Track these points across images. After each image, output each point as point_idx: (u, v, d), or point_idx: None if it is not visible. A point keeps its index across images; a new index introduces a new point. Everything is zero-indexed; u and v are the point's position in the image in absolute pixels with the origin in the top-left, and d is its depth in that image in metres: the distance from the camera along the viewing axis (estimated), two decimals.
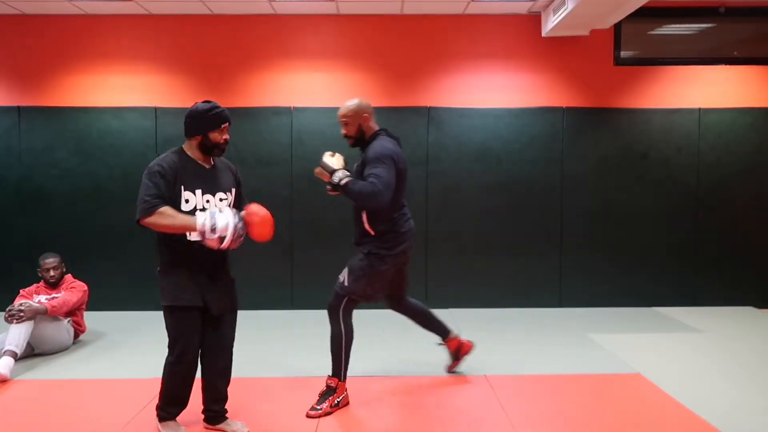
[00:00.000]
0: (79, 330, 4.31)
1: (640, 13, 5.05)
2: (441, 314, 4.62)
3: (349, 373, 3.52)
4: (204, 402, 2.84)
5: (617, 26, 5.49)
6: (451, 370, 3.70)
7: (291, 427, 2.92)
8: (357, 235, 3.21)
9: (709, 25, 5.65)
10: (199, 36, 5.48)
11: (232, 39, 5.49)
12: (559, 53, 5.55)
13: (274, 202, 5.41)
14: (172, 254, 2.64)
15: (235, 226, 2.49)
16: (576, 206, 5.54)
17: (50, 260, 4.27)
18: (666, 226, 5.56)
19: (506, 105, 5.52)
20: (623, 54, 5.59)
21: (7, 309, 3.81)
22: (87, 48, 5.47)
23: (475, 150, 5.50)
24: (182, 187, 2.59)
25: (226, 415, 2.86)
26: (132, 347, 4.31)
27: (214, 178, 2.70)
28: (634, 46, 5.62)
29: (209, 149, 2.65)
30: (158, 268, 2.68)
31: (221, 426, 2.83)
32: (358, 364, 3.82)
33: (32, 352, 3.97)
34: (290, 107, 5.47)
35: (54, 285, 4.27)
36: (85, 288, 4.32)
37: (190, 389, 2.76)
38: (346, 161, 3.15)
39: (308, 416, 3.03)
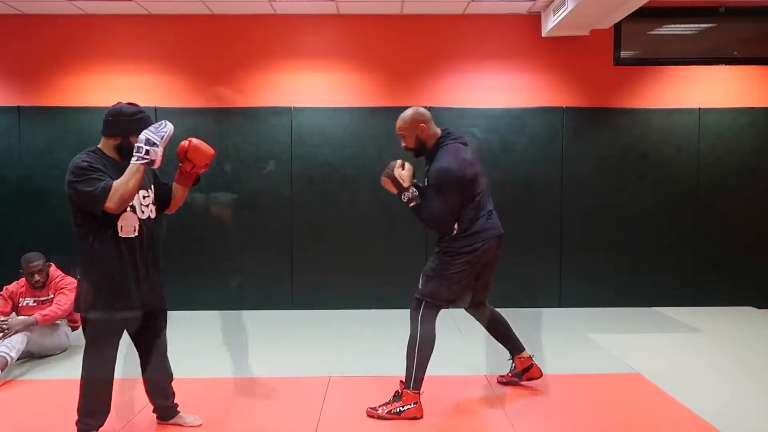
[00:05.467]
0: (75, 327, 4.19)
1: (640, 13, 5.05)
2: (440, 313, 4.65)
3: (349, 373, 3.52)
4: (151, 402, 2.83)
5: (617, 26, 5.48)
6: (503, 381, 3.49)
7: (291, 427, 2.92)
8: (438, 235, 3.14)
9: (709, 25, 5.64)
10: (199, 36, 5.48)
11: (232, 39, 5.49)
12: (559, 53, 5.54)
13: (274, 202, 5.50)
14: (95, 254, 2.49)
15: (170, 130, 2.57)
16: (576, 206, 5.54)
17: (35, 263, 3.97)
18: (666, 226, 5.56)
19: (506, 105, 5.52)
20: (623, 54, 5.59)
21: None
22: (87, 48, 5.47)
23: (475, 150, 5.49)
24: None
25: (177, 408, 2.86)
26: (131, 347, 4.29)
27: None
28: (634, 46, 5.62)
29: (127, 153, 2.52)
30: (78, 271, 2.53)
31: (174, 420, 2.85)
32: (357, 364, 3.82)
33: (33, 356, 3.95)
34: (290, 107, 5.47)
35: (40, 288, 4.04)
36: (75, 284, 4.20)
37: (110, 399, 2.62)
38: (414, 172, 3.09)
39: (367, 414, 2.99)
